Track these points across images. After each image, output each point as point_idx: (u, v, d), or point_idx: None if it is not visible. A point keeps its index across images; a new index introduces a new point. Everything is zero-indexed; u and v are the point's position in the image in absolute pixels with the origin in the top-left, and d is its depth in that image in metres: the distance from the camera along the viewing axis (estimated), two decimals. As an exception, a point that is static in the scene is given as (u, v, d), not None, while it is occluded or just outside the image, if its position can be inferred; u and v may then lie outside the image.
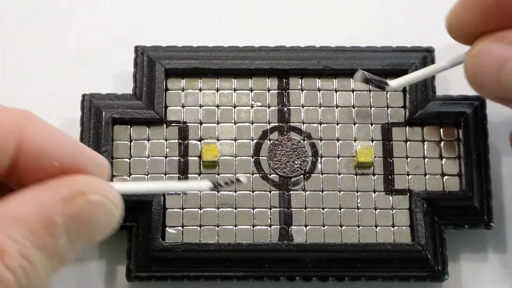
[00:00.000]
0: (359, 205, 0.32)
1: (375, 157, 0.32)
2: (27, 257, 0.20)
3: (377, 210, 0.32)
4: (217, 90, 0.33)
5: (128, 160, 0.32)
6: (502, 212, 0.33)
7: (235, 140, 0.32)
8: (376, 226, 0.31)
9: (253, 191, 0.32)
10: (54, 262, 0.21)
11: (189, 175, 0.32)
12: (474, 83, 0.28)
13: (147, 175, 0.32)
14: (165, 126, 0.32)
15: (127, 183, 0.30)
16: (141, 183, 0.31)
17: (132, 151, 0.32)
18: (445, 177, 0.32)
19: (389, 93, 0.33)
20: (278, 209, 0.31)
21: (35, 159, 0.21)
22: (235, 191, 0.32)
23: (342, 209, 0.32)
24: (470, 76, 0.28)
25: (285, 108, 0.33)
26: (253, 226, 0.31)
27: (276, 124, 0.33)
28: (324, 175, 0.32)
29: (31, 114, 0.21)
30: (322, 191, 0.32)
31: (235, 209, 0.31)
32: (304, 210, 0.31)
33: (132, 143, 0.32)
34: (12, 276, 0.19)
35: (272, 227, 0.31)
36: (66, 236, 0.21)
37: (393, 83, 0.31)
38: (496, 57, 0.26)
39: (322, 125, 0.33)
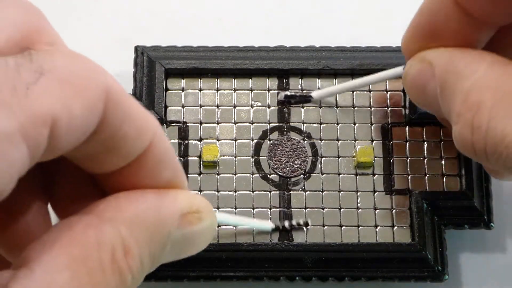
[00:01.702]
0: (359, 205, 0.32)
1: (375, 157, 0.32)
2: (142, 262, 0.20)
3: (377, 210, 0.32)
4: (217, 90, 0.33)
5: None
6: (502, 212, 0.33)
7: (235, 140, 0.32)
8: (376, 226, 0.31)
9: (253, 191, 0.32)
10: (152, 269, 0.21)
11: (189, 175, 0.32)
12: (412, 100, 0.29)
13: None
14: (165, 126, 0.32)
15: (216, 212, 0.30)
16: (223, 213, 0.31)
17: (132, 151, 0.32)
18: (445, 177, 0.32)
19: (389, 93, 0.33)
20: (278, 209, 0.32)
21: (153, 166, 0.21)
22: (235, 191, 0.32)
23: (342, 209, 0.32)
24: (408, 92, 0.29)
25: (285, 108, 0.33)
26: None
27: (276, 124, 0.33)
28: (324, 175, 0.32)
29: (158, 125, 0.21)
30: (322, 191, 0.32)
31: (235, 209, 0.31)
32: (304, 210, 0.31)
33: (132, 143, 0.32)
34: (131, 278, 0.19)
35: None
36: (171, 248, 0.21)
37: (316, 94, 0.32)
38: (418, 78, 0.26)
39: (322, 125, 0.33)
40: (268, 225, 0.31)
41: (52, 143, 0.17)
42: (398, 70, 0.30)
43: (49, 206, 0.22)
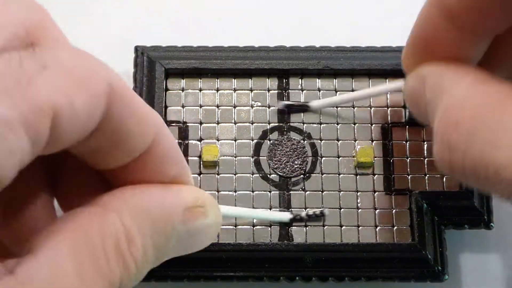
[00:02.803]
0: (359, 205, 0.32)
1: (375, 157, 0.32)
2: (146, 253, 0.20)
3: (377, 210, 0.32)
4: (217, 90, 0.33)
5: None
6: (502, 212, 0.33)
7: (235, 140, 0.32)
8: (376, 226, 0.31)
9: (253, 191, 0.32)
10: (157, 262, 0.21)
11: (189, 175, 0.32)
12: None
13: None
14: (165, 126, 0.32)
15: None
16: (233, 208, 0.31)
17: (132, 151, 0.32)
18: (445, 177, 0.32)
19: (389, 93, 0.33)
20: (278, 209, 0.32)
21: (158, 162, 0.21)
22: (235, 191, 0.32)
23: (342, 209, 0.32)
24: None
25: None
26: (253, 226, 0.31)
27: (276, 124, 0.33)
28: (324, 175, 0.32)
29: (162, 121, 0.21)
30: (322, 191, 0.32)
31: (235, 209, 0.31)
32: (304, 210, 0.31)
33: (132, 143, 0.32)
34: (134, 267, 0.19)
35: (272, 227, 0.31)
36: (175, 242, 0.21)
37: (315, 103, 0.32)
38: (412, 94, 0.26)
39: (322, 125, 0.33)
40: (285, 216, 0.31)
41: (54, 134, 0.17)
42: (398, 83, 0.30)
43: (55, 202, 0.23)
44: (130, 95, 0.19)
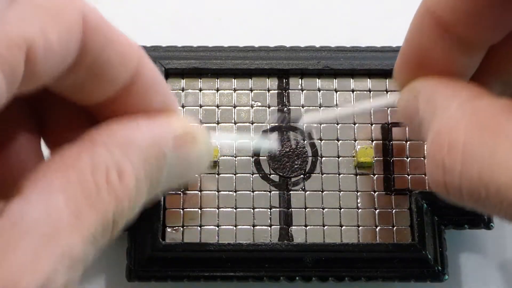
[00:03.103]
0: (359, 205, 0.32)
1: (375, 157, 0.32)
2: (138, 185, 0.19)
3: (377, 210, 0.32)
4: (217, 90, 0.33)
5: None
6: (502, 212, 0.33)
7: (235, 140, 0.32)
8: (376, 226, 0.31)
9: (253, 191, 0.32)
10: (150, 195, 0.20)
11: (189, 175, 0.32)
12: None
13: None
14: (165, 126, 0.32)
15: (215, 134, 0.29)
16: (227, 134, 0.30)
17: (132, 151, 0.32)
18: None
19: (389, 93, 0.33)
20: (278, 209, 0.32)
21: (142, 92, 0.20)
22: (235, 191, 0.32)
23: (342, 209, 0.32)
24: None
25: (285, 108, 0.33)
26: (253, 226, 0.31)
27: (276, 124, 0.33)
28: (324, 175, 0.32)
29: (143, 52, 0.21)
30: (322, 191, 0.32)
31: (235, 209, 0.31)
32: (304, 210, 0.31)
33: (132, 143, 0.32)
34: (128, 199, 0.19)
35: (272, 227, 0.31)
36: (168, 169, 0.21)
37: (306, 118, 0.32)
38: (406, 112, 0.25)
39: (322, 125, 0.33)
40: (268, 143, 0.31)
41: (29, 69, 0.17)
42: (391, 99, 0.29)
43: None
44: (107, 25, 0.19)
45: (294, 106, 0.33)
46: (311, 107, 0.33)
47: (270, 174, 0.32)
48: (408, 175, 0.32)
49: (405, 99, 0.25)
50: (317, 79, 0.33)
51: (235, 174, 0.32)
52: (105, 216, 0.18)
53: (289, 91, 0.33)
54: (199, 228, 0.31)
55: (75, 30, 0.18)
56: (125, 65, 0.20)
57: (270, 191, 0.32)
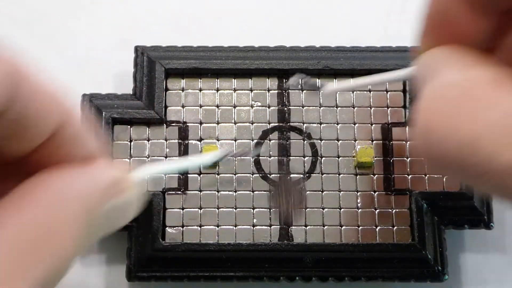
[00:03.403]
0: (359, 205, 0.32)
1: (375, 157, 0.32)
2: (72, 242, 0.19)
3: (377, 210, 0.32)
4: (217, 90, 0.33)
5: (128, 160, 0.32)
6: (502, 212, 0.33)
7: (235, 140, 0.32)
8: (376, 226, 0.31)
9: (253, 191, 0.32)
10: (87, 246, 0.20)
11: (189, 175, 0.32)
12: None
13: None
14: (165, 126, 0.32)
15: (143, 169, 0.29)
16: (156, 165, 0.28)
17: (132, 151, 0.32)
18: (445, 177, 0.32)
19: (389, 93, 0.33)
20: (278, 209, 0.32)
21: (67, 145, 0.20)
22: (235, 191, 0.32)
23: (342, 209, 0.32)
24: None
25: (285, 108, 0.33)
26: (253, 226, 0.31)
27: (276, 124, 0.33)
28: (324, 175, 0.32)
29: (67, 104, 0.21)
30: (322, 191, 0.32)
31: (235, 209, 0.31)
32: (304, 210, 0.31)
33: (132, 143, 0.32)
34: (60, 258, 0.19)
35: (272, 227, 0.31)
36: (100, 221, 0.20)
37: (327, 88, 0.31)
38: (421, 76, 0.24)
39: (322, 125, 0.33)
40: (216, 155, 0.30)
41: None
42: (406, 71, 0.29)
43: None
44: (33, 79, 0.18)
45: (294, 106, 0.33)
46: (311, 107, 0.33)
47: (270, 174, 0.32)
48: (408, 175, 0.32)
49: (421, 65, 0.25)
50: (317, 79, 0.33)
51: (235, 174, 0.32)
52: (39, 276, 0.18)
53: (289, 91, 0.33)
54: (199, 228, 0.31)
55: (2, 84, 0.17)
56: (45, 122, 0.19)
57: (270, 191, 0.32)
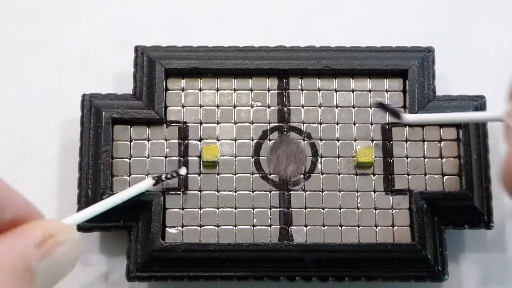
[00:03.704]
0: (359, 205, 0.32)
1: (375, 157, 0.32)
2: None
3: (377, 210, 0.32)
4: (217, 90, 0.33)
5: (128, 160, 0.32)
6: (502, 212, 0.33)
7: (235, 140, 0.32)
8: (376, 226, 0.31)
9: (253, 191, 0.32)
10: None
11: (189, 175, 0.32)
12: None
13: (147, 175, 0.32)
14: (165, 126, 0.32)
15: (75, 215, 0.29)
16: (87, 208, 0.28)
17: (132, 151, 0.32)
18: (445, 177, 0.32)
19: (389, 93, 0.33)
20: (278, 209, 0.32)
21: None
22: (235, 191, 0.32)
23: (342, 209, 0.32)
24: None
25: (285, 108, 0.33)
26: (253, 226, 0.31)
27: (276, 124, 0.33)
28: (324, 175, 0.32)
29: None
30: (322, 191, 0.32)
31: (235, 209, 0.31)
32: (304, 210, 0.32)
33: (132, 143, 0.32)
34: None
35: (272, 227, 0.31)
36: (41, 278, 0.21)
37: (410, 117, 0.30)
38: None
39: (322, 125, 0.33)
40: (148, 183, 0.30)
41: None
42: (494, 113, 0.28)
43: None
44: None
45: (294, 106, 0.33)
46: (311, 107, 0.33)
47: (270, 174, 0.32)
48: (408, 175, 0.32)
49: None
50: (317, 79, 0.33)
51: (235, 174, 0.32)
52: None
53: (289, 91, 0.33)
54: (199, 228, 0.31)
55: None
56: None
57: (270, 191, 0.32)
